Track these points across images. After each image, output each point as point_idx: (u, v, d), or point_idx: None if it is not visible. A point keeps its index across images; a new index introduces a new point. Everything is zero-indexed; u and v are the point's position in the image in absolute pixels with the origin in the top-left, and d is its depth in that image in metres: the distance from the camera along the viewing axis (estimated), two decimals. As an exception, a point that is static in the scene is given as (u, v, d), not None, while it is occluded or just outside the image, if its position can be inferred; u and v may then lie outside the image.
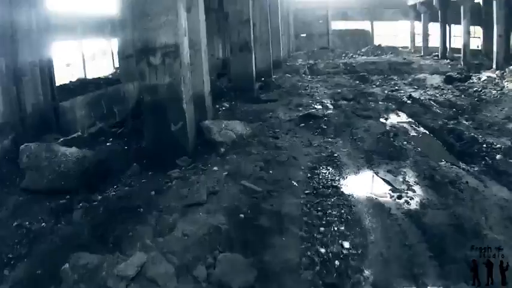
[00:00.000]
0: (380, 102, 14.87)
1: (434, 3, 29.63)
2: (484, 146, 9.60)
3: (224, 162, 8.01)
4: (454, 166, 8.30)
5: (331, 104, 14.44)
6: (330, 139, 10.16)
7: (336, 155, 8.74)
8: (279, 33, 23.74)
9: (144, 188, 7.00)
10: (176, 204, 6.29)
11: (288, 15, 35.26)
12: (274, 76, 18.87)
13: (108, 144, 9.64)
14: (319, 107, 13.79)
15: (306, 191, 6.91)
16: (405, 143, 9.83)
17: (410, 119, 12.31)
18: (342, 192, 6.91)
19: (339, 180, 7.46)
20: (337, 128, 11.01)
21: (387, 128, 11.13)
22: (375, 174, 7.81)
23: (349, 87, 17.99)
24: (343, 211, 6.24)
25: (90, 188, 7.06)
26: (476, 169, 8.22)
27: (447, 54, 28.94)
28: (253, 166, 7.72)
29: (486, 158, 8.88)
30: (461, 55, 24.42)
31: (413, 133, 10.88)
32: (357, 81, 19.44)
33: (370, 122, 11.65)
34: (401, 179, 7.53)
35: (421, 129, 11.27)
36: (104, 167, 7.68)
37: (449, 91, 17.33)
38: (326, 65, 24.69)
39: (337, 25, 45.08)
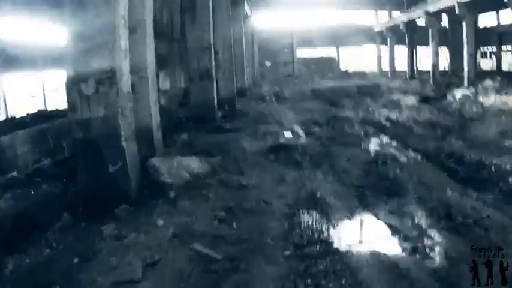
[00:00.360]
0: (356, 127, 12.96)
1: (401, 28, 28.72)
2: (492, 168, 7.98)
3: (173, 211, 5.97)
4: (465, 196, 6.60)
5: (303, 131, 12.40)
6: (307, 173, 8.05)
7: (318, 194, 6.63)
8: (243, 61, 21.93)
9: (67, 251, 5.15)
10: (103, 281, 4.40)
11: (252, 43, 33.71)
12: (239, 104, 16.73)
13: (43, 186, 7.67)
14: (290, 135, 11.71)
15: (286, 252, 4.87)
16: (398, 171, 7.94)
17: (395, 143, 10.52)
18: (337, 249, 4.91)
19: (328, 230, 5.48)
20: (314, 158, 8.98)
21: (372, 156, 9.27)
22: (374, 218, 5.73)
23: (320, 112, 16.08)
24: (343, 281, 4.18)
25: (6, 248, 5.33)
26: (491, 197, 6.64)
27: (415, 75, 27.87)
28: (211, 218, 5.67)
29: (499, 183, 7.24)
30: (431, 75, 23.33)
31: (404, 159, 8.95)
32: (327, 106, 17.62)
33: (351, 150, 9.79)
34: (410, 222, 5.62)
35: (411, 153, 9.47)
36: (27, 220, 6.05)
37: (427, 111, 15.80)
38: (292, 92, 22.83)
39: (303, 52, 43.81)
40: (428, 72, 25.29)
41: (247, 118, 14.38)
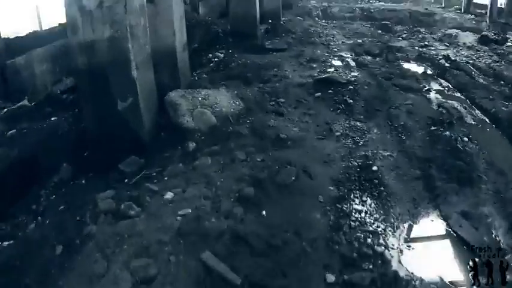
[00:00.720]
0: (413, 62, 10.90)
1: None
2: None
3: (188, 175, 4.49)
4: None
5: (353, 60, 10.48)
6: (359, 123, 6.51)
7: (374, 167, 4.88)
8: (292, -32, 19.04)
9: (54, 230, 3.96)
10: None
11: None
12: (284, 18, 14.46)
13: (52, 120, 6.30)
14: (339, 63, 9.85)
15: (330, 277, 3.38)
16: (468, 141, 6.24)
17: (458, 94, 8.60)
18: (396, 273, 3.64)
19: (386, 236, 3.85)
20: (368, 103, 7.22)
21: (435, 109, 7.51)
22: (445, 225, 4.45)
23: (371, 37, 13.86)
24: None
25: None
26: None
27: (470, 9, 24.58)
28: (234, 195, 4.44)
29: None
30: (488, 12, 20.13)
31: (470, 120, 7.20)
32: (379, 31, 15.24)
33: (412, 96, 7.99)
34: (486, 236, 4.31)
35: (479, 114, 7.63)
36: (23, 172, 4.89)
37: (486, 54, 13.39)
38: (341, 9, 20.21)
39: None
40: (484, 6, 21.96)
41: (292, 37, 12.30)
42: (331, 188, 4.58)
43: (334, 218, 4.15)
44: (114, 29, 4.86)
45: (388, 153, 5.56)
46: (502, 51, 13.96)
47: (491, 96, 8.58)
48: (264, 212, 4.07)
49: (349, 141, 5.84)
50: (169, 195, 4.27)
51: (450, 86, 9.02)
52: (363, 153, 5.47)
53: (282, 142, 5.48)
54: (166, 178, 4.62)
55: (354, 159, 5.28)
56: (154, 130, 5.47)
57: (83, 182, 4.78)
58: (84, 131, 5.51)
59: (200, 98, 5.69)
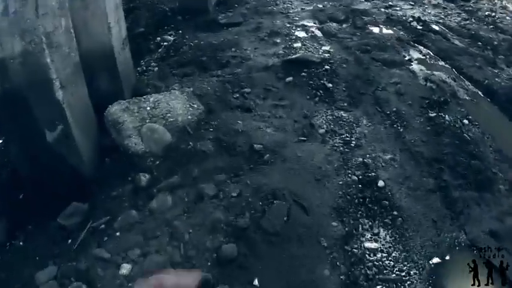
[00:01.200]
0: (383, 26, 9.77)
1: None
2: None
3: (144, 229, 3.18)
4: None
5: (319, 29, 9.18)
6: (344, 113, 5.41)
7: (380, 182, 3.85)
8: None
9: None
10: None
11: None
12: (235, -15, 12.97)
13: None
14: (304, 34, 8.68)
15: None
16: (467, 123, 5.48)
17: (442, 63, 7.66)
18: None
19: (413, 285, 3.00)
20: (351, 86, 6.13)
21: (424, 85, 6.53)
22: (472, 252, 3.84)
23: (331, 0, 12.53)
24: None
25: None
26: None
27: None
28: (210, 260, 3.38)
29: None
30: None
31: (464, 95, 6.40)
32: (337, -9, 13.92)
33: (397, 72, 6.86)
34: None
35: (469, 85, 6.86)
36: None
37: (454, 12, 12.39)
38: (293, -31, 18.77)
39: None
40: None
41: (246, 7, 10.87)
42: (334, 224, 3.48)
43: (346, 269, 3.09)
44: (26, 41, 3.55)
45: (389, 156, 4.49)
46: (470, 8, 13.05)
47: (477, 64, 7.72)
48: (256, 282, 2.93)
49: (338, 141, 4.73)
50: (125, 268, 3.09)
51: (431, 53, 8.03)
52: (360, 159, 4.37)
53: (258, 156, 4.29)
54: (118, 233, 3.43)
55: (352, 171, 4.19)
56: (97, 158, 4.24)
57: (21, 243, 3.61)
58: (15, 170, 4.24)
59: (149, 108, 4.41)
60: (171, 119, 4.39)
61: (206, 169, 4.05)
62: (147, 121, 4.27)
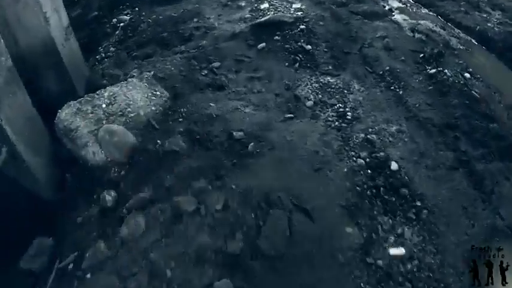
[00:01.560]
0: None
1: None
2: None
3: (117, 273, 2.72)
4: None
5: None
6: (330, 78, 4.61)
7: (393, 164, 3.08)
8: None
9: None
10: None
11: None
12: None
13: None
14: (270, -7, 7.65)
15: None
16: (469, 76, 4.79)
17: (426, 10, 6.87)
18: None
19: None
20: (333, 46, 5.29)
21: (413, 36, 5.73)
22: None
23: None
24: None
25: None
26: None
27: None
28: None
29: None
30: None
31: (457, 45, 5.65)
32: None
33: (381, 25, 5.97)
34: None
35: (459, 32, 6.14)
36: None
37: None
38: None
39: None
40: None
41: (202, -30, 9.82)
42: (349, 230, 2.73)
43: (373, 291, 2.38)
44: None
45: (395, 128, 3.73)
46: None
47: (462, 9, 7.00)
48: None
49: (331, 113, 3.95)
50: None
51: (411, 1, 7.29)
52: (362, 135, 3.61)
53: (240, 147, 3.47)
54: (88, 275, 2.65)
55: (356, 152, 3.43)
56: (56, 176, 3.41)
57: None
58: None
59: (104, 105, 3.49)
60: (132, 114, 3.51)
61: (180, 174, 3.21)
62: (104, 122, 3.39)
